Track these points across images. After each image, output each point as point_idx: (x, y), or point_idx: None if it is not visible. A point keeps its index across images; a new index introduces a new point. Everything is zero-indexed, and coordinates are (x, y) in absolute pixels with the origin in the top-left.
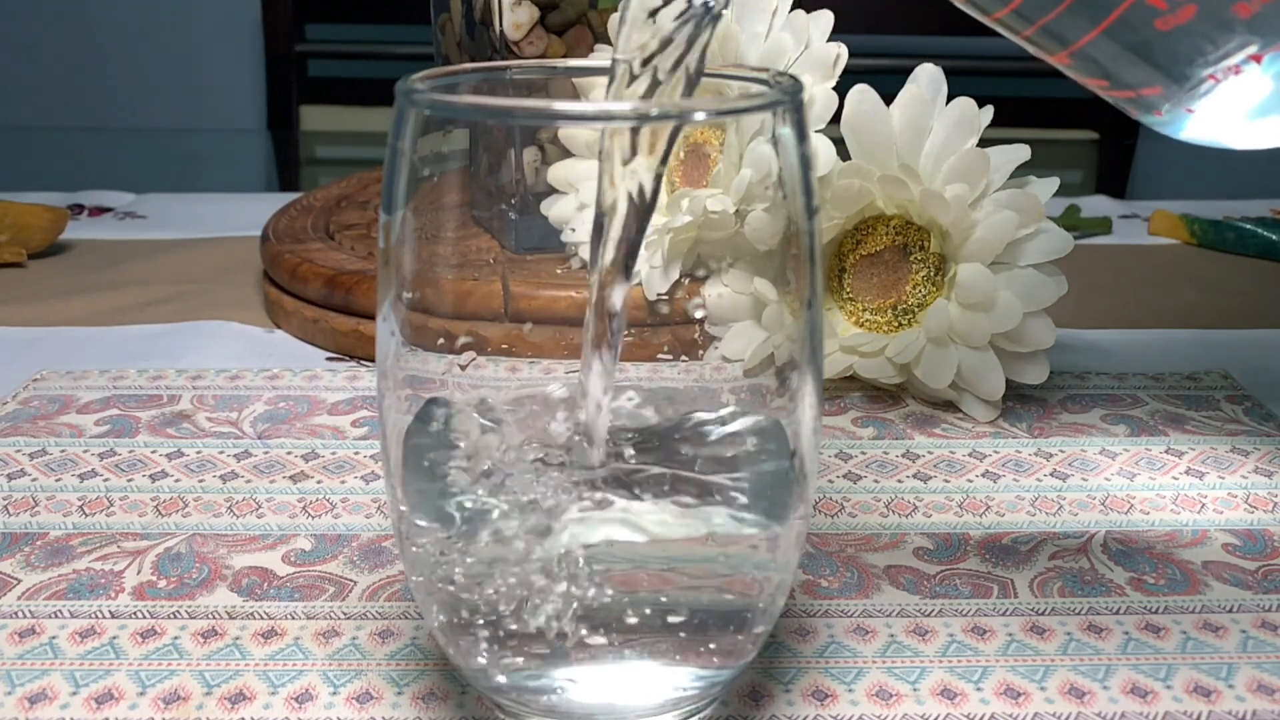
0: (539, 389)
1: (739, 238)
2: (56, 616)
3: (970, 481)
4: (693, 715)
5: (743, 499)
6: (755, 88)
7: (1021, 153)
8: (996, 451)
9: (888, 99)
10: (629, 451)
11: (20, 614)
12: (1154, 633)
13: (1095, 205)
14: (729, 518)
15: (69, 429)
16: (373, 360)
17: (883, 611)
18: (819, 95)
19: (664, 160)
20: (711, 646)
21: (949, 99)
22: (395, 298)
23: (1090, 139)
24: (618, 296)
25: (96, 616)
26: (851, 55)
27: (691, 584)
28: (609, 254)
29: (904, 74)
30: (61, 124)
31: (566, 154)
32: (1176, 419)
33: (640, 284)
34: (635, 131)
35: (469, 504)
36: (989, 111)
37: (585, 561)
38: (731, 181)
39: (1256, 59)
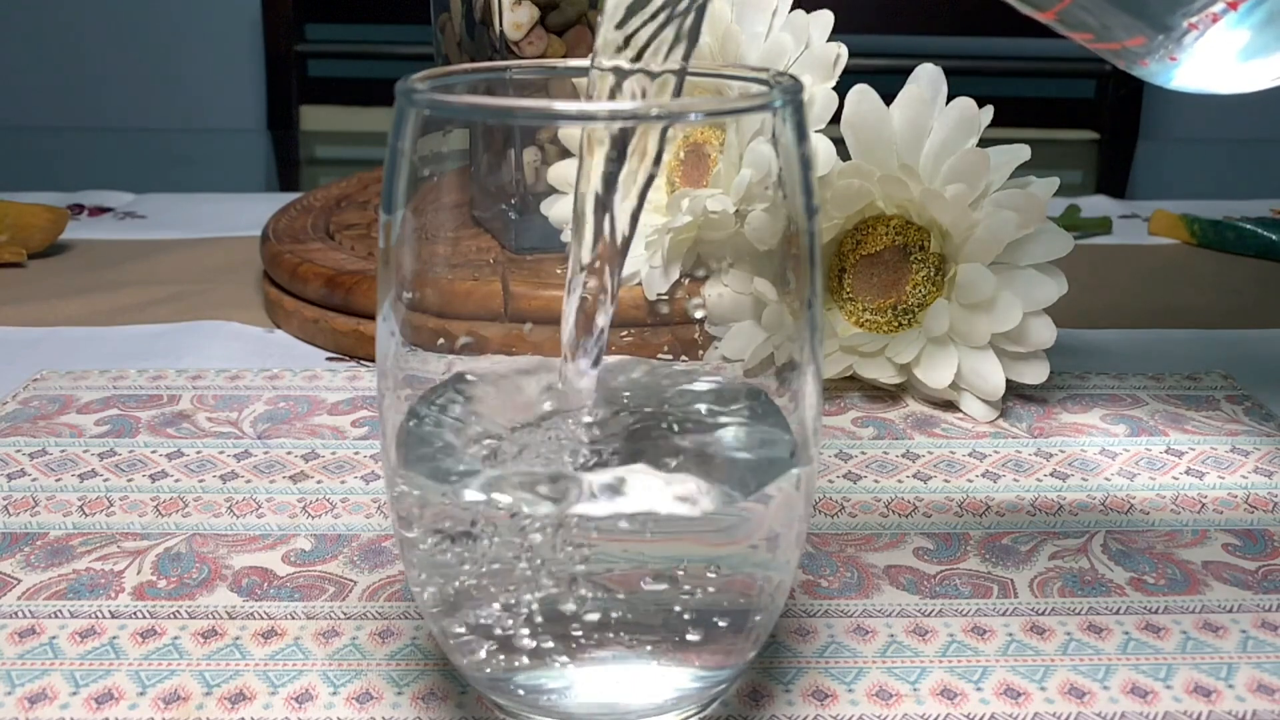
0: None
1: (739, 238)
2: (56, 616)
3: (970, 481)
4: (693, 715)
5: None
6: (755, 88)
7: (1021, 153)
8: (996, 451)
9: (888, 99)
10: (624, 428)
11: (20, 614)
12: (1154, 633)
13: (1095, 205)
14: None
15: (69, 429)
16: (373, 360)
17: (883, 611)
18: (819, 95)
19: (658, 159)
20: (711, 646)
21: (949, 99)
22: (395, 298)
23: (1090, 139)
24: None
25: (96, 616)
26: (851, 55)
27: (691, 584)
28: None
29: (904, 74)
30: (61, 124)
31: (566, 154)
32: (1176, 419)
33: (640, 284)
34: (630, 131)
35: (467, 497)
36: (989, 111)
37: (586, 562)
38: (731, 181)
39: (1233, 5)
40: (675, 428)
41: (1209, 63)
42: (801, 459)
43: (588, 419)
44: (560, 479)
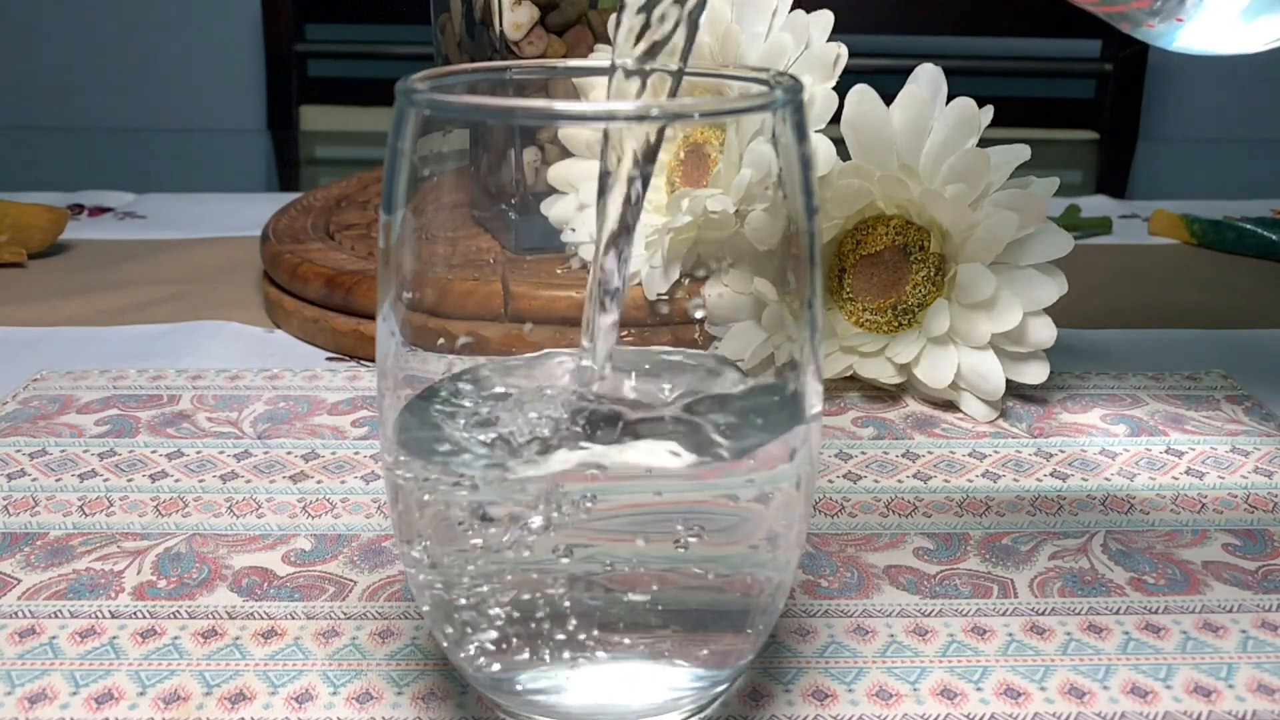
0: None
1: (739, 238)
2: (56, 616)
3: (970, 481)
4: (693, 715)
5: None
6: (755, 88)
7: (1021, 153)
8: (996, 451)
9: (888, 99)
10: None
11: (20, 614)
12: (1154, 633)
13: (1095, 205)
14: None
15: (69, 429)
16: (373, 360)
17: (883, 611)
18: (819, 95)
19: (653, 156)
20: (711, 646)
21: (949, 99)
22: (395, 298)
23: (1090, 139)
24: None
25: (96, 616)
26: (851, 55)
27: (691, 584)
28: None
29: (904, 74)
30: (61, 124)
31: (566, 154)
32: (1176, 419)
33: (640, 284)
34: (633, 130)
35: (469, 495)
36: (989, 111)
37: (585, 561)
38: (731, 181)
39: None
40: (682, 405)
41: (1213, 22)
42: (802, 456)
43: (590, 401)
44: (562, 448)
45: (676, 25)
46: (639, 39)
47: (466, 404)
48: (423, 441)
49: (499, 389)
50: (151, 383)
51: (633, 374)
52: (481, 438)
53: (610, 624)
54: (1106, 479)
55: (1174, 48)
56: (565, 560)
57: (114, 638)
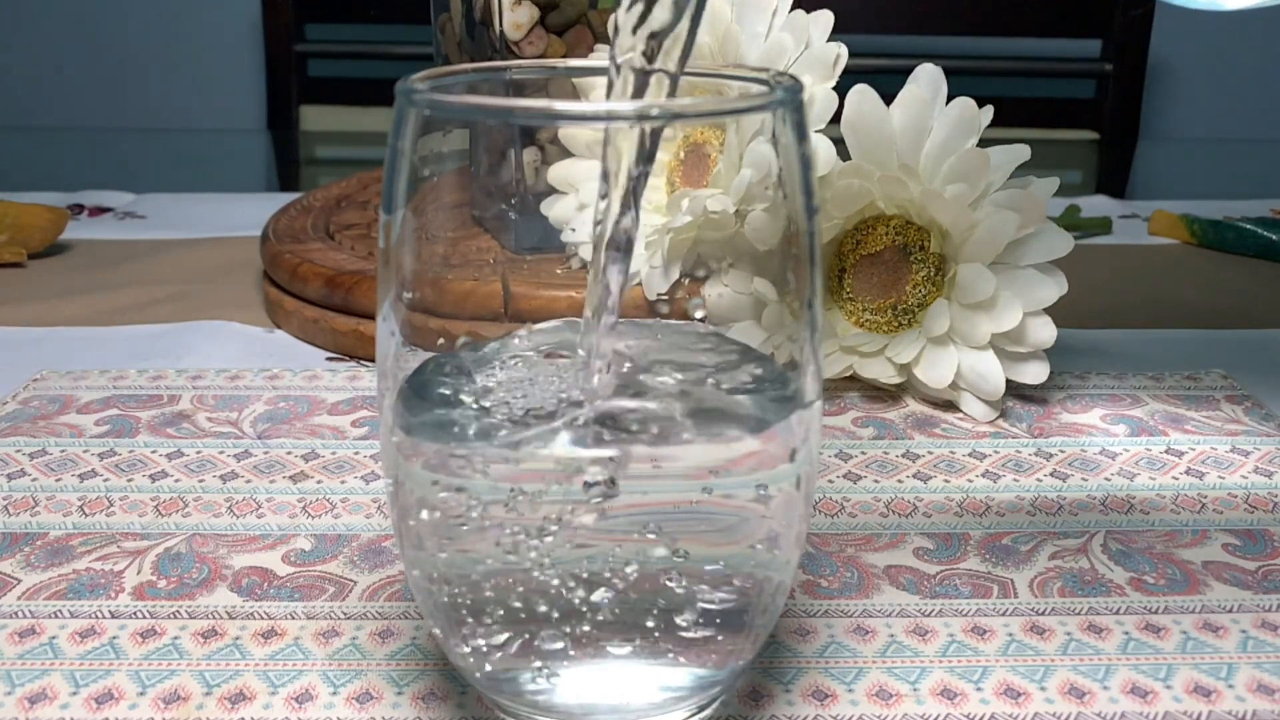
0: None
1: (739, 238)
2: (56, 616)
3: (970, 481)
4: (693, 715)
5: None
6: (755, 88)
7: (1021, 153)
8: (996, 451)
9: (888, 99)
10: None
11: (20, 614)
12: (1154, 633)
13: (1095, 205)
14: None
15: (69, 429)
16: (373, 360)
17: (883, 611)
18: (819, 95)
19: (650, 156)
20: (711, 646)
21: (949, 99)
22: (395, 298)
23: (1090, 139)
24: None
25: (96, 616)
26: (851, 55)
27: (691, 584)
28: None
29: (904, 74)
30: (61, 124)
31: (566, 154)
32: (1176, 419)
33: (640, 284)
34: (634, 129)
35: (468, 494)
36: (989, 111)
37: (586, 560)
38: (731, 181)
39: None
40: (683, 385)
41: None
42: (802, 456)
43: (589, 399)
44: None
45: (676, 23)
46: (639, 38)
47: (465, 399)
48: (421, 439)
49: (498, 379)
50: (151, 383)
51: (631, 371)
52: (480, 435)
53: (610, 623)
54: (1106, 479)
55: (1178, 2)
56: (565, 559)
57: (114, 638)
